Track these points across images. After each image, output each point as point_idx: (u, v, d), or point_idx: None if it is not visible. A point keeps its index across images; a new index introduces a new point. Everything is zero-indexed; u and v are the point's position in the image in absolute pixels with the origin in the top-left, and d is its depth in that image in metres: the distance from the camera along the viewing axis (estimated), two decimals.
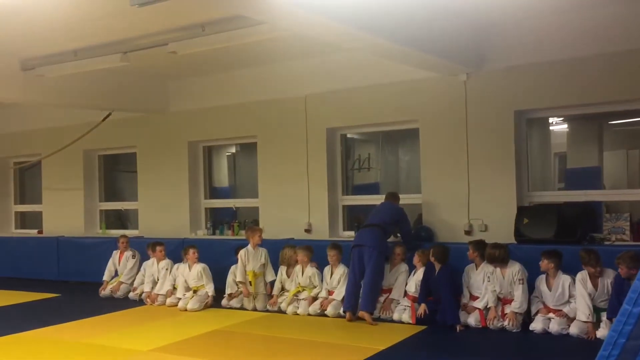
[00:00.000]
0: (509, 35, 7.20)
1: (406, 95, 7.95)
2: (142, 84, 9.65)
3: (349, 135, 9.10)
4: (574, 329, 5.98)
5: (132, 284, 9.14)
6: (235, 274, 8.03)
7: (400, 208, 7.56)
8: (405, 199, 8.20)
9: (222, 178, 11.32)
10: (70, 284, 10.39)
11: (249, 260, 7.92)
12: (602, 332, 5.82)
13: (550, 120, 8.18)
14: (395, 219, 7.42)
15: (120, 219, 11.73)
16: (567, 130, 10.48)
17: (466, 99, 7.55)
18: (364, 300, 6.87)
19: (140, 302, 8.67)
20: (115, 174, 11.98)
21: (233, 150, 11.49)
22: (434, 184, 7.86)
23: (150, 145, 10.38)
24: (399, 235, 7.61)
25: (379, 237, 7.16)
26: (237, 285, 7.95)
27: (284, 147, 8.98)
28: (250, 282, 7.85)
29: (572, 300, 6.19)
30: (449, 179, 7.71)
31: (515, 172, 7.32)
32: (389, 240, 7.45)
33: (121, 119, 10.19)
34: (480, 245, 6.73)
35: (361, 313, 6.83)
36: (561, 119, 8.71)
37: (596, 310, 6.00)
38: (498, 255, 6.43)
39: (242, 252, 7.90)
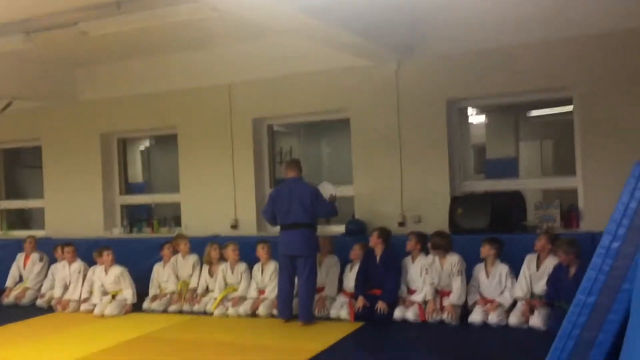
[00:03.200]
0: (440, 24, 7.09)
1: (336, 83, 7.68)
2: (47, 71, 8.81)
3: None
4: (512, 319, 5.93)
5: (39, 289, 8.36)
6: (159, 274, 7.63)
7: (313, 187, 6.59)
8: (339, 192, 7.94)
9: (136, 174, 10.65)
10: None
11: (178, 269, 7.53)
12: (535, 321, 5.81)
13: (469, 112, 8.16)
14: (315, 202, 6.47)
15: (22, 219, 10.77)
16: (486, 121, 10.67)
17: (398, 88, 7.38)
18: (303, 311, 6.41)
19: (49, 309, 7.90)
20: (17, 169, 10.98)
21: (147, 144, 10.84)
22: (365, 176, 7.65)
23: (57, 138, 9.54)
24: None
25: (310, 240, 6.51)
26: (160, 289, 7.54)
27: (207, 138, 8.48)
28: (180, 292, 7.46)
29: (506, 289, 6.17)
30: (381, 170, 7.52)
31: (449, 161, 7.23)
32: None
33: (23, 109, 9.29)
34: (422, 236, 6.57)
35: (302, 324, 6.38)
36: (476, 111, 8.79)
37: (532, 297, 6.00)
38: (444, 244, 6.29)
39: (172, 260, 7.62)
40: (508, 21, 6.74)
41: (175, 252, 7.70)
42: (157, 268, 7.72)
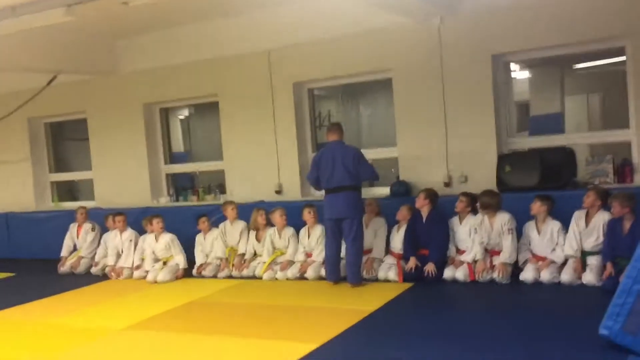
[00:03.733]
0: None
1: (378, 44, 7.54)
2: (89, 43, 8.89)
3: None
4: (565, 276, 5.85)
5: (93, 258, 8.60)
6: (202, 245, 7.74)
7: (354, 148, 6.61)
8: (378, 154, 7.91)
9: (177, 143, 10.76)
10: (24, 262, 9.71)
11: (227, 236, 7.62)
12: (588, 277, 5.72)
13: (511, 67, 7.91)
14: (357, 165, 6.44)
15: (70, 191, 11.04)
16: (530, 76, 10.37)
17: (441, 45, 7.21)
18: (351, 274, 6.43)
19: (104, 277, 8.15)
20: (63, 142, 11.21)
21: (186, 113, 10.91)
22: (409, 136, 7.56)
23: (102, 110, 9.67)
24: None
25: (355, 202, 6.47)
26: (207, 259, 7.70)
27: (248, 105, 8.48)
28: (227, 258, 7.57)
29: (557, 246, 6.07)
30: (425, 130, 7.41)
31: (495, 119, 7.07)
32: None
33: (67, 83, 9.41)
34: (471, 197, 6.48)
35: (352, 285, 6.40)
36: (519, 66, 8.48)
37: (583, 255, 5.90)
38: (494, 204, 6.21)
39: (220, 227, 7.68)
40: None
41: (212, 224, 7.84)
42: (199, 239, 7.81)
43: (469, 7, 7.01)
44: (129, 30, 8.80)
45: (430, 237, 6.55)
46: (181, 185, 9.74)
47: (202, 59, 8.69)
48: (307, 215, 7.12)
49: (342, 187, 6.46)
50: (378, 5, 6.63)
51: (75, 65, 8.84)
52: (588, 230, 5.90)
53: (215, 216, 8.00)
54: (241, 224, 7.66)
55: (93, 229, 8.75)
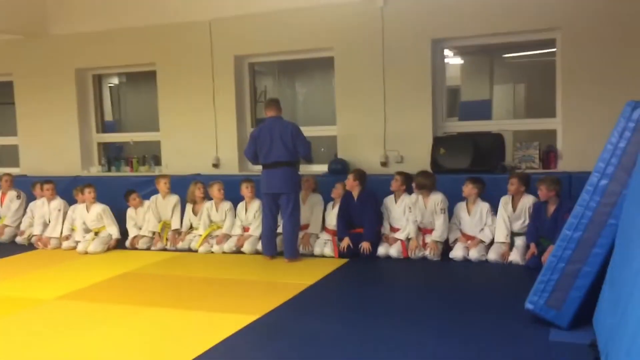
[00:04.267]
0: None
1: (321, 21, 7.58)
2: (19, 1, 8.44)
3: None
4: (492, 255, 6.16)
5: (18, 227, 8.29)
6: (134, 219, 7.61)
7: (292, 124, 6.65)
8: (317, 132, 7.99)
9: (106, 111, 10.41)
10: None
11: (159, 210, 7.50)
12: (514, 256, 6.05)
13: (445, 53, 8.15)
14: (295, 140, 6.50)
15: None
16: (462, 63, 10.70)
17: (383, 27, 7.32)
18: (288, 249, 6.52)
19: (30, 246, 7.89)
20: None
21: (116, 81, 10.57)
22: (348, 116, 7.67)
23: (31, 73, 9.24)
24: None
25: (292, 178, 6.57)
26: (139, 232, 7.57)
27: (187, 76, 8.32)
28: (160, 233, 7.48)
29: (486, 227, 6.37)
30: (364, 110, 7.54)
31: (432, 102, 7.28)
32: None
33: None
34: (407, 176, 6.68)
35: (288, 260, 6.51)
36: (453, 52, 8.75)
37: (510, 236, 6.21)
38: (429, 184, 6.42)
39: (152, 200, 7.55)
40: None
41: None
42: (130, 213, 7.64)
43: None
44: None
45: (362, 216, 6.71)
46: (110, 155, 9.48)
47: (141, 26, 8.44)
48: (245, 189, 7.13)
49: (280, 162, 6.51)
50: None
51: (2, 24, 8.38)
52: (516, 214, 6.21)
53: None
54: (174, 199, 7.55)
55: (18, 197, 8.43)
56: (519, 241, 6.15)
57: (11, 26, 8.61)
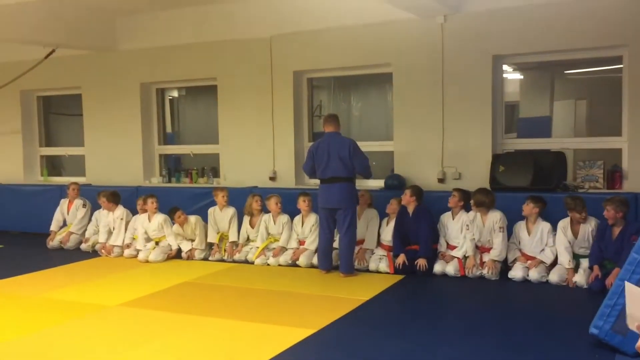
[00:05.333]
0: None
1: (379, 37, 7.61)
2: (90, 19, 8.83)
3: None
4: (553, 277, 6.01)
5: (83, 234, 8.60)
6: (181, 235, 7.73)
7: (350, 140, 6.65)
8: (373, 147, 8.01)
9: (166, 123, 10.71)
10: (11, 235, 9.70)
11: (217, 222, 7.66)
12: (579, 278, 5.87)
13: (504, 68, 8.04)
14: (352, 156, 6.49)
15: (55, 166, 10.95)
16: (522, 79, 10.53)
17: (443, 43, 7.30)
18: (344, 264, 6.54)
19: (93, 253, 8.17)
20: (54, 117, 11.12)
21: (175, 94, 10.85)
22: (406, 132, 7.65)
23: (98, 86, 9.62)
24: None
25: (349, 193, 6.56)
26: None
27: (247, 90, 8.50)
28: (218, 244, 7.63)
29: (547, 247, 6.21)
30: (422, 126, 7.51)
31: (491, 119, 7.19)
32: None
33: (64, 57, 9.34)
34: (465, 193, 6.61)
35: (343, 275, 6.52)
36: (513, 68, 8.63)
37: (575, 257, 6.04)
38: (487, 202, 6.34)
39: (210, 212, 7.71)
40: None
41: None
42: (176, 230, 7.68)
43: (472, 7, 7.11)
44: (130, 8, 8.77)
45: (417, 232, 6.66)
46: (169, 166, 9.73)
47: (203, 42, 8.69)
48: (302, 203, 7.19)
49: (337, 177, 6.55)
50: (384, 0, 6.67)
51: (74, 40, 8.78)
52: (578, 241, 6.01)
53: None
54: (230, 211, 7.66)
55: (84, 206, 8.75)
56: (584, 263, 5.96)
57: (82, 42, 9.00)
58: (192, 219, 7.74)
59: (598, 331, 4.08)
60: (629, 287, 2.37)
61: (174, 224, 7.72)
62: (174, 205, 7.89)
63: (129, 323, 5.05)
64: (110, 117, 9.54)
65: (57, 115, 11.06)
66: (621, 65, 6.80)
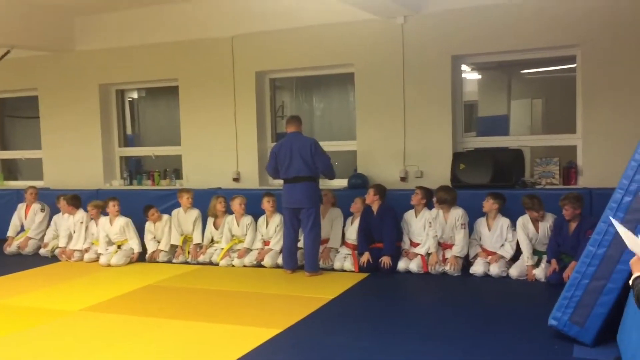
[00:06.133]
0: None
1: (341, 38, 7.67)
2: (46, 18, 8.65)
3: None
4: (513, 271, 6.16)
5: (42, 239, 8.42)
6: (152, 233, 7.68)
7: (312, 139, 6.71)
8: (335, 147, 8.07)
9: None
10: None
11: (180, 224, 7.60)
12: (539, 273, 6.03)
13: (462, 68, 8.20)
14: (313, 155, 6.56)
15: (11, 170, 10.68)
16: (479, 78, 10.74)
17: (403, 43, 7.40)
18: (309, 263, 6.58)
19: (53, 258, 8.01)
20: (9, 119, 10.83)
21: (135, 95, 10.72)
22: (369, 131, 7.72)
23: (55, 88, 9.43)
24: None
25: (312, 192, 6.61)
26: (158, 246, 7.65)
27: (209, 91, 8.46)
28: (182, 246, 7.60)
29: (507, 242, 6.36)
30: (384, 125, 7.60)
31: (451, 118, 7.33)
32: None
33: (20, 58, 9.14)
34: (427, 191, 6.71)
35: (308, 274, 6.57)
36: (471, 68, 8.81)
37: (537, 253, 6.19)
38: (450, 199, 6.45)
39: (173, 214, 7.65)
40: None
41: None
42: (148, 227, 7.69)
43: (431, 8, 7.22)
44: (88, 8, 8.62)
45: (382, 231, 6.75)
46: (129, 168, 9.60)
47: (163, 42, 8.61)
48: (267, 204, 7.20)
49: (299, 177, 6.59)
50: (345, 1, 6.73)
51: (30, 41, 8.58)
52: (540, 237, 6.15)
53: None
54: (195, 213, 7.62)
55: (42, 210, 8.57)
56: (543, 258, 6.13)
57: (39, 43, 8.80)
58: (165, 217, 7.67)
59: (557, 322, 4.20)
60: (617, 226, 2.61)
61: (147, 221, 7.63)
62: (138, 206, 7.80)
63: (93, 328, 4.97)
64: (68, 119, 9.36)
65: (13, 118, 10.80)
66: (574, 65, 7.01)
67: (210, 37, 8.33)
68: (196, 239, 7.53)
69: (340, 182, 7.89)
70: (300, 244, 6.83)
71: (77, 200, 8.08)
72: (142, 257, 7.59)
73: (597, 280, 4.08)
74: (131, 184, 9.27)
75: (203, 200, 7.70)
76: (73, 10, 8.77)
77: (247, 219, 7.31)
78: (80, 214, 8.01)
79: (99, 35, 8.97)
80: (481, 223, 6.52)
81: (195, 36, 8.40)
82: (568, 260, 5.76)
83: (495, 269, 6.21)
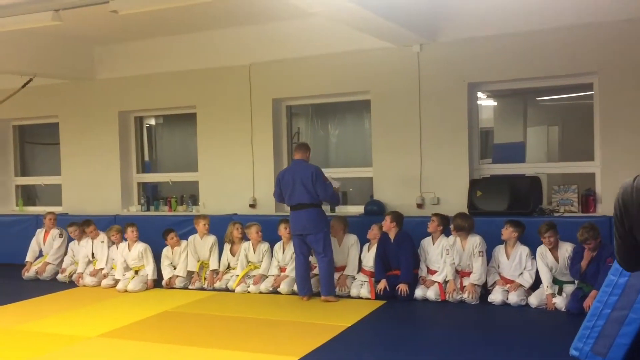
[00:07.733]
0: (463, 7, 7.13)
1: (357, 65, 7.73)
2: (67, 48, 8.82)
3: None
4: (533, 300, 6.08)
5: (59, 264, 8.47)
6: (169, 259, 7.69)
7: (314, 167, 6.72)
8: (351, 173, 8.09)
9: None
10: None
11: (197, 250, 7.61)
12: (560, 302, 5.94)
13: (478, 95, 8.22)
14: (314, 183, 6.57)
15: (30, 196, 10.80)
16: (495, 105, 10.75)
17: (419, 71, 7.44)
18: (325, 286, 6.58)
19: (70, 284, 8.04)
20: (29, 146, 11.00)
21: (152, 122, 10.84)
22: (385, 158, 7.74)
23: (75, 115, 9.58)
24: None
25: (317, 218, 6.65)
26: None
27: (226, 118, 8.54)
28: (198, 272, 7.60)
29: (525, 271, 6.29)
30: (400, 152, 7.61)
31: (468, 145, 7.33)
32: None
33: (41, 86, 9.29)
34: (444, 218, 6.69)
35: (324, 298, 6.57)
36: (486, 95, 8.84)
37: (556, 282, 6.12)
38: (467, 226, 6.42)
39: (190, 240, 7.66)
40: (531, 5, 6.78)
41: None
42: (166, 252, 7.70)
43: (447, 37, 7.28)
44: (109, 37, 8.78)
45: (399, 258, 6.71)
46: (150, 194, 9.68)
47: (181, 70, 8.73)
48: (283, 230, 7.20)
49: (303, 204, 6.66)
50: (361, 29, 6.81)
51: (52, 69, 8.76)
52: (560, 267, 6.09)
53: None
54: (211, 239, 7.64)
55: (61, 235, 8.63)
56: (568, 288, 6.04)
57: (61, 71, 8.98)
58: (184, 243, 7.70)
59: (578, 353, 4.12)
60: None
61: (165, 245, 7.67)
62: (155, 232, 7.84)
63: (110, 354, 4.99)
64: (87, 145, 9.48)
65: (32, 144, 10.97)
66: (592, 92, 7.00)
67: (227, 65, 8.45)
68: (213, 265, 7.54)
69: (357, 209, 7.90)
70: (316, 271, 6.82)
71: (88, 224, 8.13)
72: (158, 283, 7.60)
73: (618, 310, 4.00)
74: (148, 209, 9.33)
75: (219, 226, 7.73)
76: (93, 40, 8.94)
77: (264, 246, 7.32)
78: (101, 235, 8.05)
79: (118, 64, 9.13)
80: (499, 251, 6.46)
81: (213, 64, 8.53)
82: (588, 290, 5.68)
83: (514, 298, 6.14)
